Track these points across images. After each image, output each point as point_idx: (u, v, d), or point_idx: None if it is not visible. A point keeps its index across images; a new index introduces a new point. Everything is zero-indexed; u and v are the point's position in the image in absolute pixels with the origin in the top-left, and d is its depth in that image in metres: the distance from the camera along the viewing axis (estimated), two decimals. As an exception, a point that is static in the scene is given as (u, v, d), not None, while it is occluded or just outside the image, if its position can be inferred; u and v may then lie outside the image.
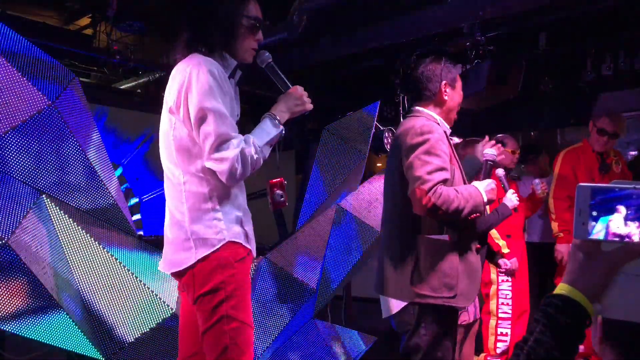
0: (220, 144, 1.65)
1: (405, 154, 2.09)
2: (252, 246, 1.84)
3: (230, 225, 1.75)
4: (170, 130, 1.77)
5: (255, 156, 1.70)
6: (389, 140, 3.68)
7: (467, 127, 4.74)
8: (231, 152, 1.65)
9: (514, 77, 4.28)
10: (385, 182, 2.33)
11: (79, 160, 2.36)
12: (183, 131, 1.73)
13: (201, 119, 1.66)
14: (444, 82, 2.21)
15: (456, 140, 2.88)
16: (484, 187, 2.11)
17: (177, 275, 1.80)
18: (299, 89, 1.87)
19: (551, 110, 5.50)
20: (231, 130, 1.69)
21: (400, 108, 5.09)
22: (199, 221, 1.73)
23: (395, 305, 3.01)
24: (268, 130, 1.78)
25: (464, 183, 2.17)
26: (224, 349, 1.68)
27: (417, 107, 2.26)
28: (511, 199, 2.88)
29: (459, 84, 2.28)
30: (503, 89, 4.20)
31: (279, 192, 2.05)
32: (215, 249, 1.71)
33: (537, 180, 3.68)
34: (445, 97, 2.22)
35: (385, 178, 2.32)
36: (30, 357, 2.94)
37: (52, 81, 2.29)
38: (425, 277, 2.04)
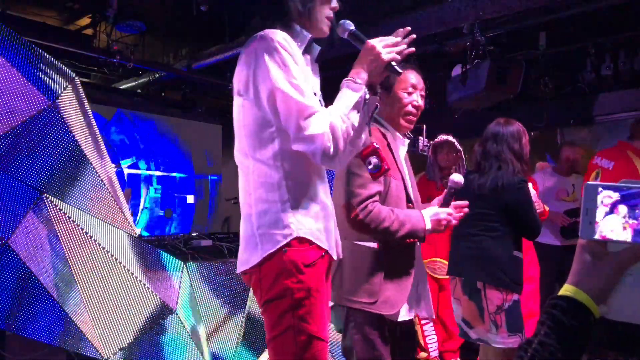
0: (305, 120, 1.45)
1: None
2: (332, 244, 1.62)
3: (302, 220, 1.53)
4: (239, 116, 1.58)
5: (343, 126, 1.50)
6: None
7: (467, 127, 4.74)
8: (319, 127, 1.45)
9: (514, 77, 4.28)
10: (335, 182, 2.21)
11: (79, 160, 2.36)
12: (252, 114, 1.54)
13: (277, 97, 1.47)
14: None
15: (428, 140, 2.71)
16: (430, 215, 1.98)
17: (246, 277, 1.61)
18: (371, 42, 1.58)
19: (551, 110, 5.49)
20: (314, 103, 1.49)
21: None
22: (265, 214, 1.53)
23: None
24: (347, 95, 1.56)
25: (407, 195, 2.06)
26: None
27: None
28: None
29: (399, 85, 2.08)
30: (503, 89, 4.19)
31: (373, 159, 1.67)
32: (280, 245, 1.50)
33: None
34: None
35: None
36: (30, 357, 2.93)
37: (52, 81, 2.28)
38: (344, 281, 2.00)
